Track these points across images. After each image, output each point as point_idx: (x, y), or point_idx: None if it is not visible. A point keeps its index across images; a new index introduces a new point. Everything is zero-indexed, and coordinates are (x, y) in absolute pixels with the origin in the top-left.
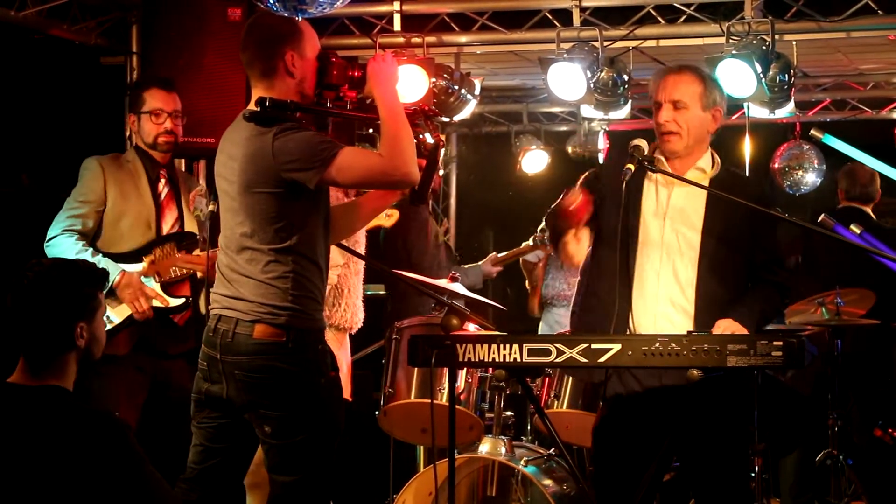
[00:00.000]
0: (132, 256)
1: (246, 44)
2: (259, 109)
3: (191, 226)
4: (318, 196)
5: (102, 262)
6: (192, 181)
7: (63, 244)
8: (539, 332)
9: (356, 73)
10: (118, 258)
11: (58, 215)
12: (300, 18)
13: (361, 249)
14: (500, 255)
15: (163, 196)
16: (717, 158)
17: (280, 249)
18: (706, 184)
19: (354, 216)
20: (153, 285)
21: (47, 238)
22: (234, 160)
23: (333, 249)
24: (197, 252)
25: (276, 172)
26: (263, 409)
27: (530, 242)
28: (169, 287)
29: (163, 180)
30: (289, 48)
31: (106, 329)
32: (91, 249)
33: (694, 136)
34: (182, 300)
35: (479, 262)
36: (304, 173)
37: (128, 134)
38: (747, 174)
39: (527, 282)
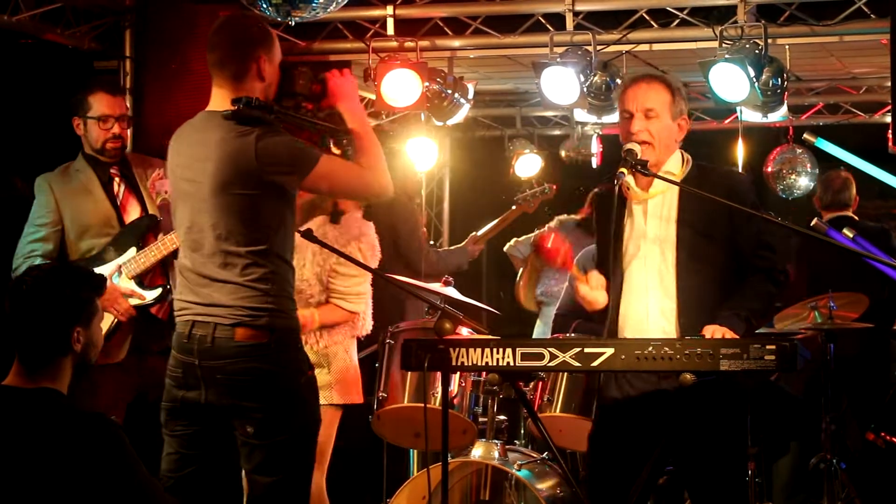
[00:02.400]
0: (98, 259)
1: (218, 44)
2: (238, 109)
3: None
4: (292, 198)
5: None
6: (148, 163)
7: None
8: (536, 331)
9: (317, 87)
10: (86, 264)
11: (19, 243)
12: (293, 23)
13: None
14: (479, 232)
15: (120, 196)
16: (688, 157)
17: (258, 251)
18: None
19: (303, 217)
20: (126, 283)
21: (12, 269)
22: (206, 161)
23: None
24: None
25: (257, 174)
26: (247, 410)
27: (513, 208)
28: (143, 279)
29: (116, 179)
30: (262, 52)
31: None
32: None
33: (663, 145)
34: (158, 290)
35: (462, 244)
36: (287, 177)
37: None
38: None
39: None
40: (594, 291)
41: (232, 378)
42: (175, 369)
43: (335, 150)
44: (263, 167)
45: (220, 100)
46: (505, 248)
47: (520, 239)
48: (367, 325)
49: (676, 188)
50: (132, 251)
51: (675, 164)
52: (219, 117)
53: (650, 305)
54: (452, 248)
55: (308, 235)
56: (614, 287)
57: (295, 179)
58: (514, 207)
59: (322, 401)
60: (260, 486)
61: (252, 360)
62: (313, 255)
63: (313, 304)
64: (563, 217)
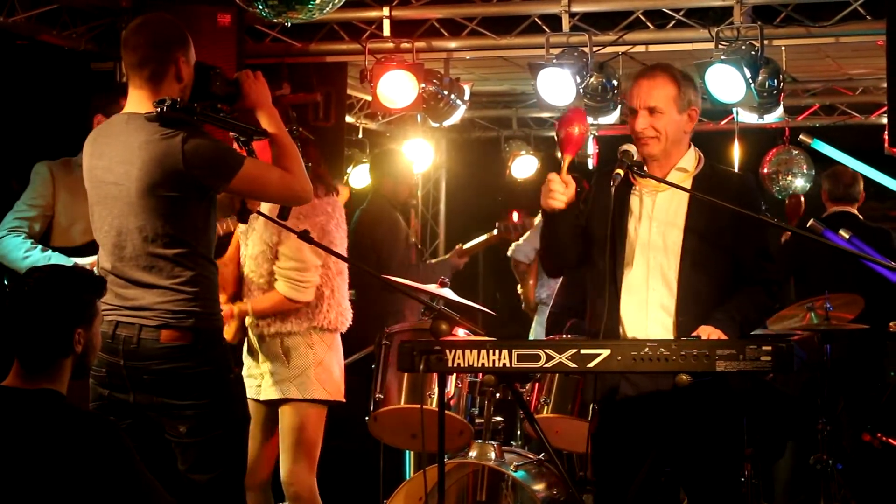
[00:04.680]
0: (85, 250)
1: (136, 44)
2: (161, 111)
3: None
4: (215, 199)
5: (54, 257)
6: None
7: (9, 243)
8: (533, 333)
9: (232, 89)
10: (70, 253)
11: (5, 218)
12: (289, 24)
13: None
14: (465, 246)
15: None
16: (701, 155)
17: (185, 254)
18: (689, 182)
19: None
20: None
21: None
22: (130, 163)
23: (307, 248)
24: None
25: (184, 176)
26: (177, 409)
27: (494, 232)
28: None
29: None
30: (181, 52)
31: None
32: (40, 246)
33: (671, 139)
34: None
35: (446, 256)
36: (214, 179)
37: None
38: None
39: (518, 286)
40: (564, 190)
41: (160, 379)
42: (98, 368)
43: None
44: (190, 169)
45: (138, 101)
46: (509, 253)
47: (519, 243)
48: (343, 320)
49: (687, 184)
50: None
51: (689, 161)
52: (141, 119)
53: (650, 300)
54: (436, 260)
55: (304, 237)
56: (611, 281)
57: (221, 181)
58: (495, 232)
59: (278, 394)
60: (197, 484)
61: (178, 361)
62: (259, 234)
63: (260, 288)
64: None
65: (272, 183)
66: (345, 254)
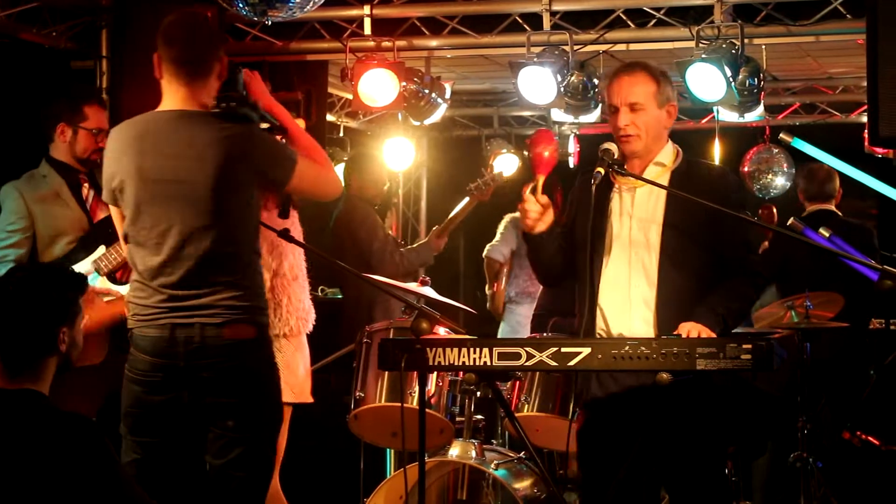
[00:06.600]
0: (68, 260)
1: (188, 40)
2: (228, 106)
3: None
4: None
5: None
6: None
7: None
8: (500, 334)
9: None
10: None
11: None
12: (269, 23)
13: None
14: (440, 225)
15: (90, 201)
16: (679, 150)
17: (245, 250)
18: (667, 176)
19: None
20: (102, 282)
21: None
22: (198, 160)
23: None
24: None
25: (254, 173)
26: (230, 406)
27: (467, 199)
28: (115, 276)
29: (85, 184)
30: (223, 52)
31: None
32: None
33: (652, 136)
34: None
35: (425, 240)
36: (280, 175)
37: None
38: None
39: (487, 286)
40: (540, 211)
41: (219, 375)
42: (153, 373)
43: None
44: (260, 166)
45: (182, 98)
46: (484, 254)
47: (494, 243)
48: (304, 323)
49: (665, 179)
50: (101, 249)
51: (667, 156)
52: (200, 116)
53: (632, 296)
54: (416, 245)
55: (285, 235)
56: (591, 279)
57: (286, 177)
58: (468, 199)
59: None
60: (233, 480)
61: (241, 357)
62: None
63: None
64: (516, 215)
65: (315, 177)
66: (301, 263)
